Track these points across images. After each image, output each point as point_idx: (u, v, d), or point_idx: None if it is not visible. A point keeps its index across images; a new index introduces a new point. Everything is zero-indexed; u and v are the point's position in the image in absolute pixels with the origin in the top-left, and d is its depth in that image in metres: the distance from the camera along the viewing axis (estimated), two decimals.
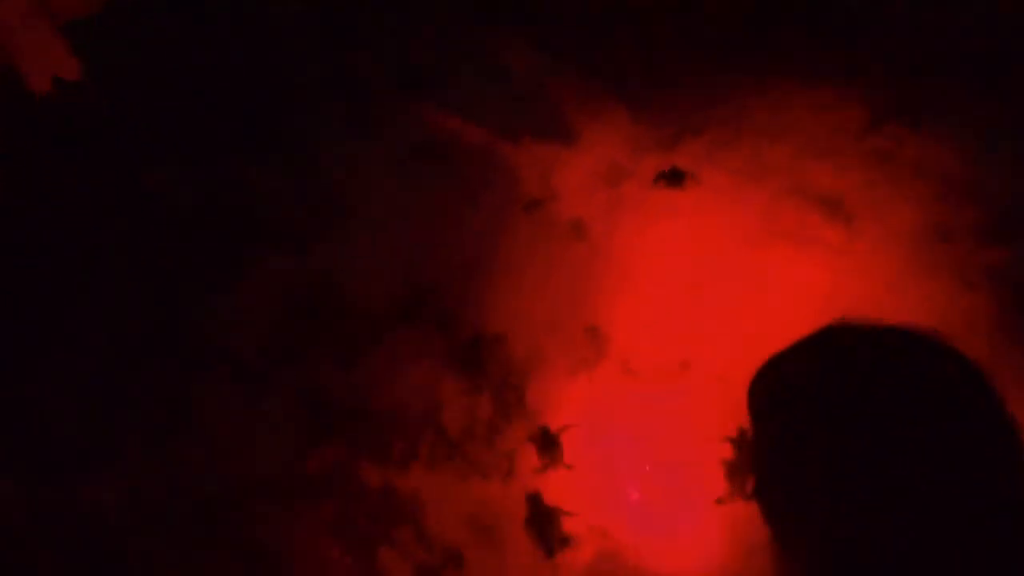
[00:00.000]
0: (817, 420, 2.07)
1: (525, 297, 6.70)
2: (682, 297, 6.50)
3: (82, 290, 7.19)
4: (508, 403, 6.27)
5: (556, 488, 6.02)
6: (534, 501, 5.90)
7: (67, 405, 6.72)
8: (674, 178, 6.89)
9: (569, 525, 5.88)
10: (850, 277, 6.39)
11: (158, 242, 7.42)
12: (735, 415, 5.83)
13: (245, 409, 6.60)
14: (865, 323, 2.13)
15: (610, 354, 6.32)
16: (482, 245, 6.95)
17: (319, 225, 7.27)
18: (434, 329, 6.67)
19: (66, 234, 7.42)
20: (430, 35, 8.10)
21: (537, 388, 6.30)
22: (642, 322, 6.43)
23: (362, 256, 7.07)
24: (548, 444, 6.05)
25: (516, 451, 6.10)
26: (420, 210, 7.25)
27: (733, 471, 5.57)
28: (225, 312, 7.00)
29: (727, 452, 5.68)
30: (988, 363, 1.91)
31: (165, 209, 7.55)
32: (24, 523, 6.28)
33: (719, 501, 5.66)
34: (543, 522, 5.81)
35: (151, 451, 6.56)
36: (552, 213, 7.00)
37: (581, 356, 6.33)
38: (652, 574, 5.73)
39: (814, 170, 6.88)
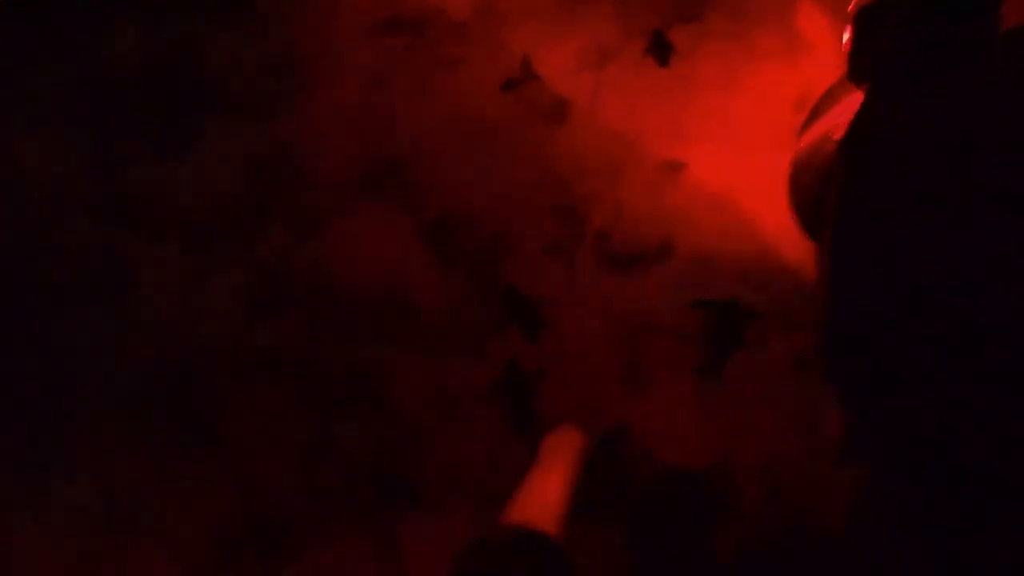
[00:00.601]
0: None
1: (498, 177, 6.40)
2: (664, 178, 6.29)
3: (19, 135, 6.71)
4: (479, 281, 6.00)
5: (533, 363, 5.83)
6: (511, 367, 5.74)
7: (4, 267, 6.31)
8: (660, 48, 6.68)
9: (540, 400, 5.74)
10: None
11: (105, 100, 6.94)
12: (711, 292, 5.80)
13: (193, 276, 6.19)
14: None
15: (587, 236, 6.09)
16: (454, 123, 6.60)
17: (281, 94, 6.77)
18: (400, 204, 6.31)
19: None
20: None
21: (510, 268, 6.05)
22: (623, 206, 6.21)
23: (325, 127, 6.61)
24: (526, 315, 5.90)
25: (487, 331, 5.84)
26: (388, 84, 6.83)
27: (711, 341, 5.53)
28: (176, 178, 6.52)
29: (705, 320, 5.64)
30: None
31: (112, 65, 7.06)
32: None
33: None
34: (517, 392, 5.63)
35: (85, 314, 6.16)
36: (532, 93, 6.67)
37: (556, 237, 6.09)
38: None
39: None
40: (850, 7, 3.44)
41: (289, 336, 6.03)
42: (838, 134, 2.38)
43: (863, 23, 2.91)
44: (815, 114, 5.05)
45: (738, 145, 6.17)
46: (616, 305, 5.87)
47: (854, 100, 2.70)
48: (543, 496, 4.55)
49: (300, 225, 6.35)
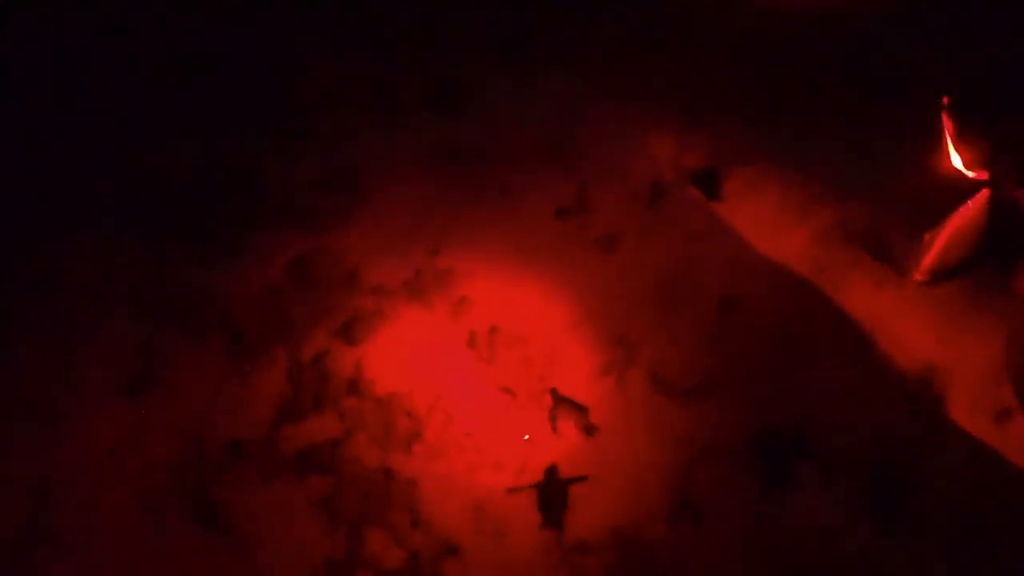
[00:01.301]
0: None
1: (551, 297, 6.37)
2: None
3: (69, 236, 6.74)
4: (525, 392, 5.83)
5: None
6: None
7: (39, 355, 6.17)
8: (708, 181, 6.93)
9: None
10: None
11: (159, 206, 6.98)
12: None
13: (230, 376, 6.03)
14: None
15: (640, 366, 5.98)
16: (506, 243, 6.64)
17: (332, 208, 6.89)
18: (449, 315, 6.23)
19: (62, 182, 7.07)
20: (465, 54, 8.08)
21: (559, 383, 5.90)
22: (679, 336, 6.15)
23: (374, 239, 6.69)
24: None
25: (527, 443, 5.62)
26: (439, 213, 6.89)
27: None
28: (223, 282, 6.49)
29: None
30: None
31: (169, 175, 7.17)
32: None
33: None
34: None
35: (120, 406, 5.93)
36: (584, 223, 6.75)
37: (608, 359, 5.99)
38: None
39: None
40: (944, 100, 3.55)
41: (323, 439, 5.74)
42: None
43: (960, 115, 2.98)
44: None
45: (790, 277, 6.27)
46: (667, 431, 5.71)
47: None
48: None
49: (343, 330, 6.22)
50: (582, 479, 5.51)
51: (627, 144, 7.34)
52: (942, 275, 5.94)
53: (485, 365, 6.00)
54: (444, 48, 8.10)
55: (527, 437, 5.65)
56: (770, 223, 6.72)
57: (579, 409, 5.73)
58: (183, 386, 6.00)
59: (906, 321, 6.08)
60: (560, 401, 5.77)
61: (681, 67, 7.70)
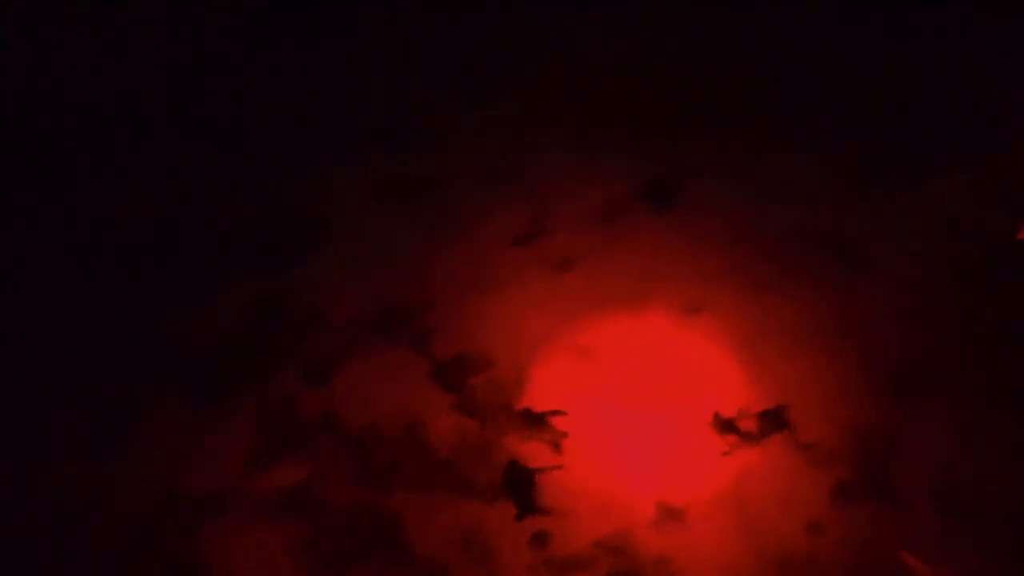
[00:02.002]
0: None
1: (512, 322, 6.41)
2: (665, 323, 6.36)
3: (18, 288, 6.61)
4: (498, 420, 5.81)
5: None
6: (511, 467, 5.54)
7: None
8: (661, 195, 7.10)
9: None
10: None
11: (111, 252, 6.96)
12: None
13: (200, 423, 5.91)
14: None
15: (600, 372, 6.03)
16: (467, 272, 6.69)
17: (297, 247, 6.90)
18: (413, 347, 6.24)
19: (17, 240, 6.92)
20: (415, 86, 8.19)
21: (529, 403, 5.90)
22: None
23: (335, 277, 6.69)
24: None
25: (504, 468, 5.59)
26: (400, 239, 6.98)
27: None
28: (184, 328, 6.42)
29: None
30: None
31: (120, 219, 7.17)
32: None
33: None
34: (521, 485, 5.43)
35: (84, 462, 5.79)
36: (543, 246, 6.83)
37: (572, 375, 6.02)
38: None
39: None
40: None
41: (299, 481, 5.63)
42: None
43: None
44: None
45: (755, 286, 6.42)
46: (640, 438, 5.70)
47: None
48: None
49: (310, 370, 6.16)
50: (551, 468, 5.56)
51: (580, 166, 7.46)
52: None
53: (455, 393, 6.00)
54: (394, 81, 8.24)
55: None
56: (727, 232, 6.90)
57: (551, 428, 5.75)
58: (149, 438, 5.85)
59: (878, 317, 6.28)
60: (532, 420, 5.78)
61: (629, 89, 7.99)
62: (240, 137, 7.78)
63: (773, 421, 5.75)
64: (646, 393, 5.96)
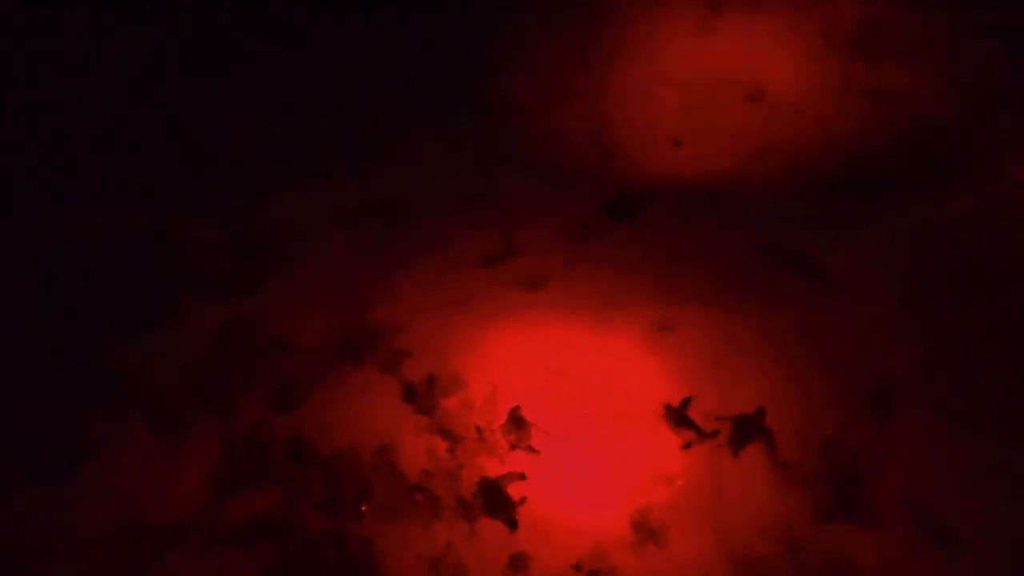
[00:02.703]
0: None
1: (479, 343, 6.35)
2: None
3: None
4: (470, 441, 5.73)
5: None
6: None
7: None
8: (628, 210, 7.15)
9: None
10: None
11: (67, 279, 6.76)
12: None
13: (161, 452, 5.74)
14: None
15: (570, 390, 5.99)
16: (437, 294, 6.63)
17: (260, 272, 6.78)
18: (382, 370, 6.14)
19: None
20: (381, 110, 8.15)
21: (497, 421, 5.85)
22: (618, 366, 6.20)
23: (301, 302, 6.57)
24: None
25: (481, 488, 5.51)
26: (366, 262, 6.90)
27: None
28: (143, 354, 6.25)
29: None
30: None
31: (76, 246, 6.97)
32: None
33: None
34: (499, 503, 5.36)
35: (43, 492, 5.58)
36: (512, 267, 6.80)
37: (549, 394, 5.97)
38: None
39: None
40: None
41: (266, 510, 5.46)
42: None
43: None
44: None
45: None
46: (620, 455, 5.64)
47: None
48: None
49: (277, 396, 6.01)
50: (518, 477, 5.51)
51: (547, 186, 7.48)
52: None
53: (426, 415, 5.91)
54: (360, 104, 8.20)
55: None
56: (695, 251, 6.93)
57: (524, 446, 5.69)
58: (109, 468, 5.66)
59: (848, 335, 6.32)
60: (505, 439, 5.72)
61: (593, 111, 8.07)
62: (201, 162, 7.67)
63: (747, 429, 5.77)
64: (617, 410, 5.92)
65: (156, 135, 7.86)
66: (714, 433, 5.71)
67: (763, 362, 6.15)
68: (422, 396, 6.01)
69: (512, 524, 5.25)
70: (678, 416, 5.79)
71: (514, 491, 5.49)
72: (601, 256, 6.87)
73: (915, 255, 6.72)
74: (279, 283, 6.72)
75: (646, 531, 5.27)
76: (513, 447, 5.67)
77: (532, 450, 5.67)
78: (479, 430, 5.81)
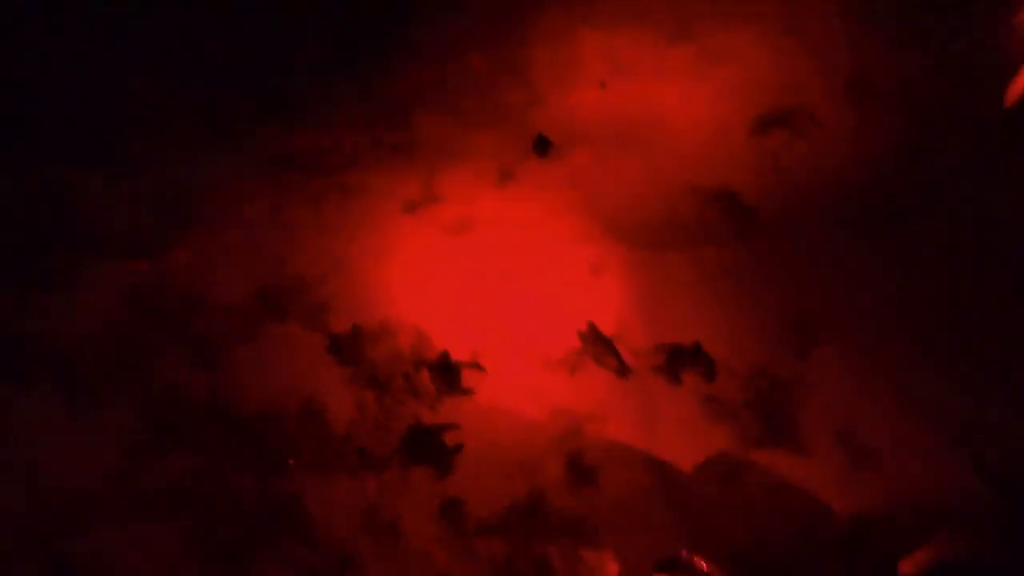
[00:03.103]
0: None
1: (411, 290, 6.17)
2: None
3: None
4: (398, 392, 5.57)
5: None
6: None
7: None
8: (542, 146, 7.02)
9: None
10: None
11: None
12: None
13: (71, 418, 5.46)
14: None
15: (515, 337, 5.87)
16: (359, 244, 6.41)
17: (172, 229, 6.45)
18: (307, 324, 5.93)
19: None
20: (294, 64, 7.81)
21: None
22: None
23: (217, 258, 6.30)
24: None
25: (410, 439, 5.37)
26: (284, 213, 6.61)
27: None
28: (48, 318, 5.91)
29: None
30: None
31: None
32: None
33: None
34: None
35: None
36: (434, 213, 6.61)
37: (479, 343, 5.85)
38: None
39: None
40: None
41: (187, 473, 5.25)
42: None
43: None
44: None
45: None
46: (548, 401, 5.60)
47: None
48: None
49: (194, 355, 5.77)
50: (453, 427, 5.41)
51: (466, 131, 7.25)
52: None
53: (352, 366, 5.72)
54: (269, 56, 7.76)
55: None
56: (622, 186, 6.79)
57: (455, 390, 5.58)
58: (18, 438, 5.35)
59: (773, 269, 6.28)
60: (434, 384, 5.60)
61: (515, 55, 7.81)
62: (106, 120, 7.21)
63: (683, 357, 5.73)
64: (547, 351, 5.82)
65: (57, 92, 7.41)
66: (634, 368, 5.69)
67: (692, 298, 6.12)
68: (347, 347, 5.83)
69: (444, 469, 5.14)
70: (598, 339, 5.73)
71: (448, 438, 5.41)
72: (526, 198, 6.73)
73: (838, 187, 6.76)
74: (192, 241, 6.41)
75: (580, 470, 5.23)
76: (443, 392, 5.55)
77: (464, 391, 5.57)
78: (407, 377, 5.68)
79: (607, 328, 5.88)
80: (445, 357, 5.68)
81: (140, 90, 7.42)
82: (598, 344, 5.76)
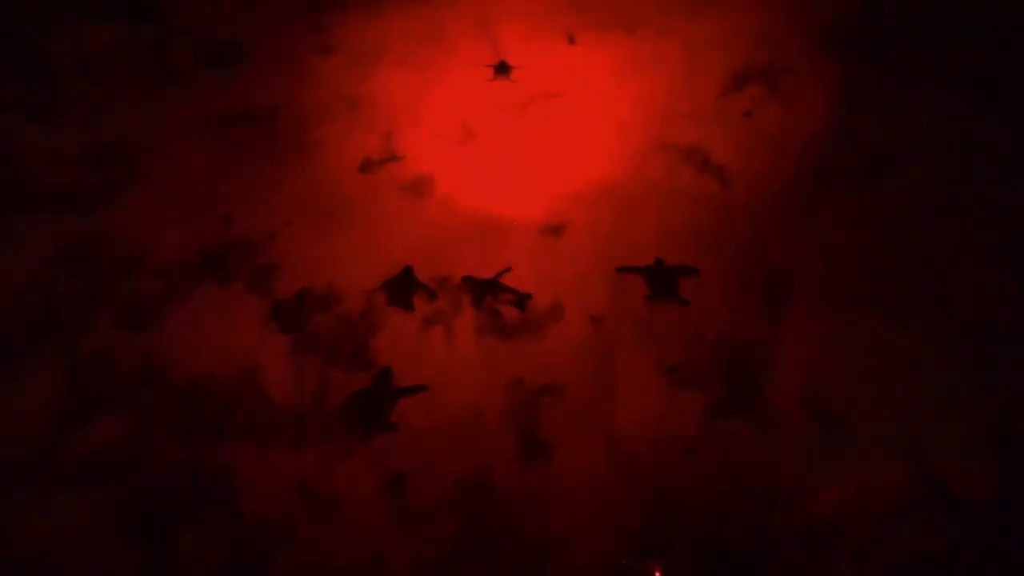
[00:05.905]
0: None
1: (361, 254, 5.81)
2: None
3: None
4: (344, 362, 5.23)
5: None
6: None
7: None
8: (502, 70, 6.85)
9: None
10: None
11: None
12: None
13: None
14: None
15: (464, 306, 5.53)
16: (309, 203, 6.04)
17: (108, 185, 6.07)
18: (248, 287, 5.58)
19: None
20: (239, 12, 7.39)
21: (383, 345, 5.34)
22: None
23: (157, 216, 5.93)
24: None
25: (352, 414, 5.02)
26: (232, 171, 6.25)
27: None
28: None
29: None
30: None
31: None
32: None
33: None
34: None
35: None
36: (392, 171, 6.25)
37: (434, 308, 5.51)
38: None
39: None
40: None
41: (113, 441, 4.87)
42: None
43: None
44: None
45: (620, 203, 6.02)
46: (501, 373, 5.23)
47: None
48: None
49: (127, 317, 5.40)
50: (420, 388, 5.11)
51: (428, 86, 6.92)
52: None
53: (296, 332, 5.38)
54: (229, 7, 7.45)
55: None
56: (590, 143, 6.47)
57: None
58: None
59: (738, 230, 5.97)
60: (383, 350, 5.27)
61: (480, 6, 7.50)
62: (44, 69, 6.83)
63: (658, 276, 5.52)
64: (507, 318, 5.50)
65: None
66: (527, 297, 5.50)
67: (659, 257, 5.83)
68: (292, 312, 5.48)
69: (388, 442, 4.82)
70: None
71: (396, 409, 5.07)
72: (487, 154, 6.40)
73: (812, 142, 6.43)
74: (131, 197, 6.05)
75: (533, 445, 4.91)
76: (390, 362, 5.25)
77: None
78: (353, 343, 5.34)
79: (561, 294, 5.59)
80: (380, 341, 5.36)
81: (85, 36, 7.09)
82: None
